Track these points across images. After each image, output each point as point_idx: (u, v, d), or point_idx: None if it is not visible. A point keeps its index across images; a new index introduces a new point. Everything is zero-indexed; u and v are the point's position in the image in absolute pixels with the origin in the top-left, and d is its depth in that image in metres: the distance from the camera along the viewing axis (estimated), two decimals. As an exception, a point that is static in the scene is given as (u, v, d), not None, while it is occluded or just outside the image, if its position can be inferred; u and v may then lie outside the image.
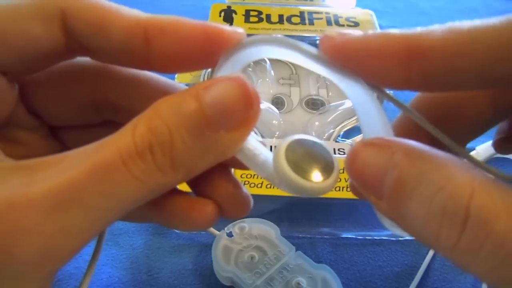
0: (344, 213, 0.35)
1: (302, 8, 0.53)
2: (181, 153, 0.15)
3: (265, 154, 0.17)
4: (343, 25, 0.51)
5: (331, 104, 0.42)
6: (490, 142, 0.39)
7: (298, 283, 0.28)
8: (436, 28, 0.14)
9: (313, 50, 0.16)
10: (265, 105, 0.40)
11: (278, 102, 0.41)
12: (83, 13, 0.16)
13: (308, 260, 0.29)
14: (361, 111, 0.16)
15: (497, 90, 0.18)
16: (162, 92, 0.19)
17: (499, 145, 0.22)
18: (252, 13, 0.51)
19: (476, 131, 0.20)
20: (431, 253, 0.32)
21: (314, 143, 0.16)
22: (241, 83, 0.15)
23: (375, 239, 0.34)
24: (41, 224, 0.13)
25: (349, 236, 0.34)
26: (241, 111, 0.15)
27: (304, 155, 0.16)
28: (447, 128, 0.16)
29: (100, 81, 0.19)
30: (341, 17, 0.51)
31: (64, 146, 0.21)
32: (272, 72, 0.45)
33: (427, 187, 0.13)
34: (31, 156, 0.19)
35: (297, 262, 0.29)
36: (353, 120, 0.40)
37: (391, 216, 0.15)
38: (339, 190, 0.33)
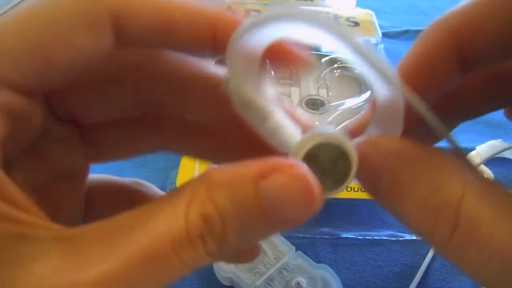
0: (344, 213, 0.35)
1: (302, 8, 0.53)
2: (232, 242, 0.14)
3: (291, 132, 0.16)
4: (343, 25, 0.51)
5: (331, 104, 0.42)
6: (490, 142, 0.39)
7: (298, 283, 0.28)
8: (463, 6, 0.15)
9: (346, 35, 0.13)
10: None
11: (278, 102, 0.42)
12: (142, 14, 0.14)
13: (308, 260, 0.29)
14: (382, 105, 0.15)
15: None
16: (204, 84, 0.18)
17: (510, 112, 0.23)
18: (252, 13, 0.51)
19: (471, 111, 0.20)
20: (431, 253, 0.32)
21: (339, 148, 0.15)
22: (304, 180, 0.13)
23: (375, 239, 0.34)
24: None
25: (349, 236, 0.34)
26: (300, 213, 0.14)
27: (323, 162, 0.15)
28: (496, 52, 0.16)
29: (143, 78, 0.18)
30: (341, 17, 0.51)
31: (95, 152, 0.20)
32: (272, 72, 0.45)
33: (422, 189, 0.13)
34: (59, 169, 0.18)
35: (297, 262, 0.29)
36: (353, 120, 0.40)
37: (389, 210, 0.15)
38: (339, 190, 0.33)
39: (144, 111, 0.19)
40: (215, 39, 0.15)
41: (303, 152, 0.14)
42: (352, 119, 0.18)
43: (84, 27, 0.14)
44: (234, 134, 0.19)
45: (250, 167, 0.14)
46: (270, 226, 0.14)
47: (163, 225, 0.13)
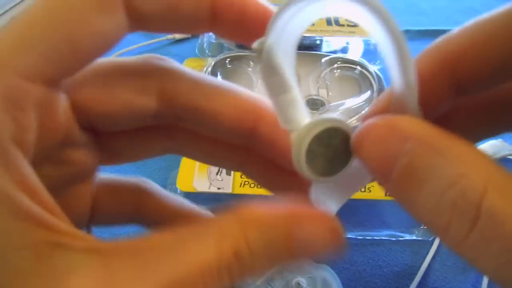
0: (344, 213, 0.35)
1: None
2: (255, 273, 0.15)
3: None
4: (343, 25, 0.51)
5: (331, 104, 0.42)
6: (490, 142, 0.39)
7: (298, 283, 0.28)
8: (454, 34, 0.15)
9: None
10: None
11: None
12: None
13: (308, 260, 0.29)
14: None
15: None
16: (225, 105, 0.18)
17: None
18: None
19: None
20: (431, 253, 0.32)
21: (345, 133, 0.15)
22: (336, 233, 0.16)
23: (375, 239, 0.34)
24: None
25: (349, 236, 0.34)
26: (325, 252, 0.16)
27: (325, 148, 0.15)
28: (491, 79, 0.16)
29: (166, 92, 0.18)
30: (341, 17, 0.51)
31: (107, 155, 0.20)
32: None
33: (439, 181, 0.13)
34: (79, 174, 0.19)
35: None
36: (353, 120, 0.40)
37: (397, 199, 0.14)
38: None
39: (161, 122, 0.20)
40: (214, 12, 0.16)
41: (312, 133, 0.15)
42: (368, 107, 0.17)
43: (101, 11, 0.15)
44: (247, 150, 0.20)
45: (284, 211, 0.15)
46: (293, 260, 0.16)
47: (195, 256, 0.14)
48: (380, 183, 0.15)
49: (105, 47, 0.16)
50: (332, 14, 0.15)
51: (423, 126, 0.14)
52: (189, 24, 0.17)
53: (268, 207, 0.15)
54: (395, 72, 0.14)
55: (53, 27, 0.14)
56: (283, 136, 0.18)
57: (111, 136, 0.20)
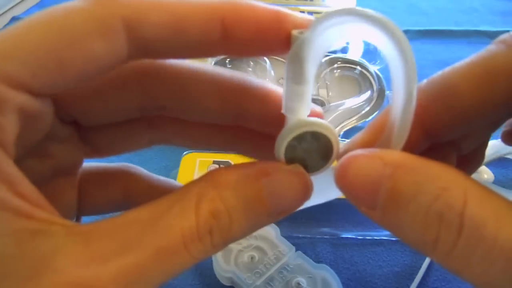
0: (344, 213, 0.35)
1: (302, 8, 0.53)
2: (236, 234, 0.16)
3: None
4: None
5: (331, 104, 0.42)
6: (490, 142, 0.39)
7: (298, 283, 0.28)
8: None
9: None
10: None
11: (278, 102, 0.42)
12: (154, 16, 0.15)
13: (308, 260, 0.29)
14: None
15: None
16: (209, 89, 0.18)
17: (506, 137, 0.23)
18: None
19: (489, 129, 0.20)
20: (431, 253, 0.32)
21: (323, 136, 0.17)
22: (302, 176, 0.16)
23: (375, 239, 0.34)
24: None
25: (349, 236, 0.34)
26: (297, 203, 0.16)
27: (305, 149, 0.17)
28: (461, 127, 0.17)
29: (148, 84, 0.18)
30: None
31: (91, 149, 0.20)
32: (272, 72, 0.45)
33: (424, 197, 0.14)
34: (63, 167, 0.19)
35: (297, 262, 0.29)
36: (353, 120, 0.40)
37: (385, 225, 0.15)
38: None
39: (145, 114, 0.20)
40: (225, 29, 0.15)
41: (300, 130, 0.16)
42: (347, 143, 0.19)
43: (96, 33, 0.14)
44: (235, 128, 0.20)
45: (253, 167, 0.16)
46: (270, 217, 0.16)
47: (174, 223, 0.14)
48: (367, 213, 0.15)
49: (97, 71, 0.15)
50: (360, 38, 0.17)
51: (399, 153, 0.15)
52: (199, 48, 0.16)
53: (239, 167, 0.16)
54: (398, 94, 0.15)
55: (44, 44, 0.14)
56: (270, 109, 0.18)
57: (95, 129, 0.20)
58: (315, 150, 0.17)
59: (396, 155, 0.15)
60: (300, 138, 0.16)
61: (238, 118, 0.19)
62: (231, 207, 0.15)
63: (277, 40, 0.16)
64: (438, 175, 0.14)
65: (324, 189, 0.17)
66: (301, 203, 0.16)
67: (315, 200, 0.17)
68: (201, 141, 0.21)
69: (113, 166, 0.22)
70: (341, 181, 0.16)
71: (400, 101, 0.15)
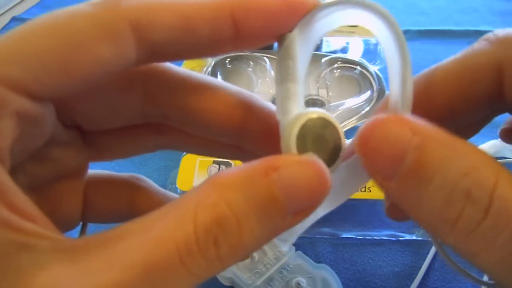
0: (344, 213, 0.35)
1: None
2: (248, 242, 0.13)
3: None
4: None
5: (331, 104, 0.42)
6: (490, 142, 0.39)
7: (298, 283, 0.28)
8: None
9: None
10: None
11: (278, 102, 0.42)
12: (162, 18, 0.14)
13: (308, 260, 0.29)
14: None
15: (494, 89, 0.18)
16: (213, 102, 0.18)
17: (504, 135, 0.23)
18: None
19: (474, 127, 0.20)
20: (431, 253, 0.32)
21: (331, 126, 0.15)
22: (315, 164, 0.14)
23: (375, 239, 0.34)
24: None
25: (349, 236, 0.34)
26: (316, 197, 0.14)
27: (315, 139, 0.15)
28: (445, 123, 0.17)
29: (151, 90, 0.18)
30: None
31: (97, 152, 0.20)
32: (272, 72, 0.45)
33: (452, 172, 0.13)
34: (66, 171, 0.19)
35: (297, 262, 0.29)
36: (353, 120, 0.40)
37: (399, 197, 0.14)
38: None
39: (149, 121, 0.19)
40: (235, 24, 0.15)
41: (301, 122, 0.15)
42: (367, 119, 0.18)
43: (103, 37, 0.14)
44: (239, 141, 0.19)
45: (258, 163, 0.14)
46: (286, 218, 0.14)
47: (167, 234, 0.12)
48: (380, 183, 0.15)
49: (104, 76, 0.15)
50: (351, 23, 0.16)
51: (429, 124, 0.14)
52: (209, 46, 0.16)
53: (242, 167, 0.14)
54: (395, 83, 0.15)
55: (49, 47, 0.13)
56: (273, 132, 0.16)
57: (99, 133, 0.20)
58: (324, 142, 0.15)
59: (426, 125, 0.14)
60: (308, 127, 0.15)
61: (239, 136, 0.19)
62: (239, 211, 0.13)
63: (288, 26, 0.16)
64: (469, 152, 0.13)
65: (335, 192, 0.16)
66: (320, 198, 0.14)
67: (327, 205, 0.16)
68: (206, 149, 0.21)
69: (120, 176, 0.21)
70: (363, 145, 0.14)
71: (397, 67, 0.14)
